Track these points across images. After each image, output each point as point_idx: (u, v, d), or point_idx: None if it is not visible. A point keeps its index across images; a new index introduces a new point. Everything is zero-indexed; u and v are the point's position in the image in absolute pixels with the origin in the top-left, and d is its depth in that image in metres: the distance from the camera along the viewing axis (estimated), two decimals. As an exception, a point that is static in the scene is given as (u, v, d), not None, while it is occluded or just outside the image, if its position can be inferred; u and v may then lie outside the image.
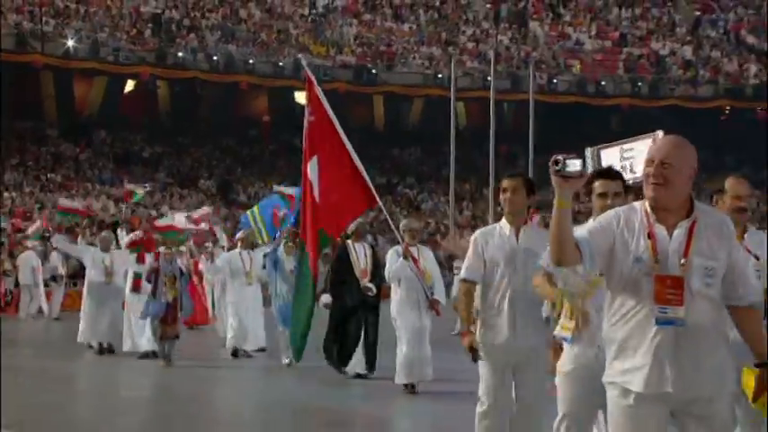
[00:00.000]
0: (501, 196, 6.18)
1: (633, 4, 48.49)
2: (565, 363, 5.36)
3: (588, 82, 44.01)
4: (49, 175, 35.99)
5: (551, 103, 41.00)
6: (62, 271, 24.28)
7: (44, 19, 36.85)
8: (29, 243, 24.30)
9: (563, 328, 5.36)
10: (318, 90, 11.35)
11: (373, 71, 42.04)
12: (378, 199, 11.25)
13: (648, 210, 4.05)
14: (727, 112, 46.77)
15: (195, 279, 18.42)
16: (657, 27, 47.51)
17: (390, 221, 12.28)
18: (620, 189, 5.32)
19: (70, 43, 36.77)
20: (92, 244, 17.35)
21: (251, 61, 40.08)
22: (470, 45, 44.58)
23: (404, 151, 44.66)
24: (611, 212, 4.20)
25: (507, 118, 42.07)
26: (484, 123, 33.43)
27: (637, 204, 4.14)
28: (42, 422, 9.50)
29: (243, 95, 43.41)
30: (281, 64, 40.52)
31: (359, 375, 12.05)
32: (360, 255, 12.31)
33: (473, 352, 6.01)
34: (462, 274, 6.23)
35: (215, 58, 39.48)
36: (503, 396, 6.07)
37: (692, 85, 44.99)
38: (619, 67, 44.96)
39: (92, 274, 15.56)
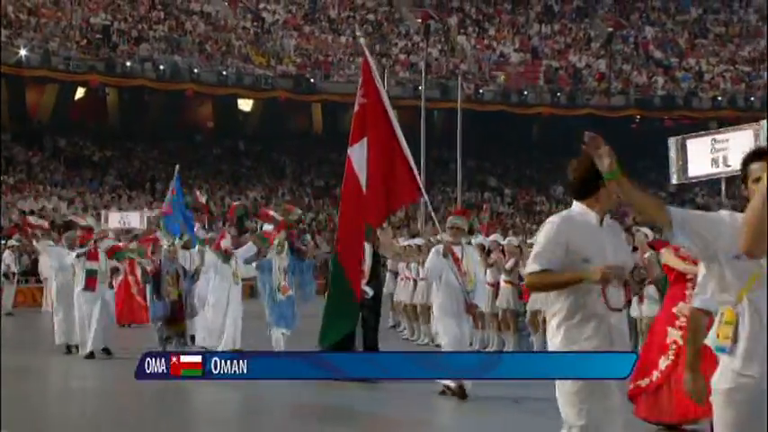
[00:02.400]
0: None
1: (552, 21, 48.94)
2: (721, 379, 3.98)
3: (512, 92, 44.29)
4: (2, 178, 35.27)
5: (478, 111, 41.24)
6: (15, 269, 23.88)
7: (-3, 29, 36.31)
8: None
9: (719, 336, 4.00)
10: (375, 73, 10.35)
11: (312, 80, 41.88)
12: (424, 192, 10.19)
13: None
14: (637, 120, 47.42)
15: (131, 279, 17.76)
16: (574, 42, 47.98)
17: (434, 216, 10.93)
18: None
19: (23, 52, 36.24)
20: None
21: (196, 70, 39.74)
22: (402, 57, 44.64)
23: (341, 155, 44.03)
24: None
25: (437, 124, 42.19)
26: (415, 129, 33.48)
27: None
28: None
29: (188, 103, 43.02)
30: (224, 73, 40.23)
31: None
32: (367, 255, 11.29)
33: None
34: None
35: (161, 67, 39.06)
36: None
37: (606, 95, 45.50)
38: (539, 79, 45.32)
39: (60, 275, 14.55)
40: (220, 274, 13.53)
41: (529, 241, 14.30)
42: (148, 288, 14.36)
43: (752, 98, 45.07)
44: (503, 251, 14.32)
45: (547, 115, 44.42)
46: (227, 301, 13.46)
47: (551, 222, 4.85)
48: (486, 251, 14.33)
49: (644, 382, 8.01)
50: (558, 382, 4.95)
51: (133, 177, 38.60)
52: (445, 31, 46.73)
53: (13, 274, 23.88)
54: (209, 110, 44.91)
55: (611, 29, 47.93)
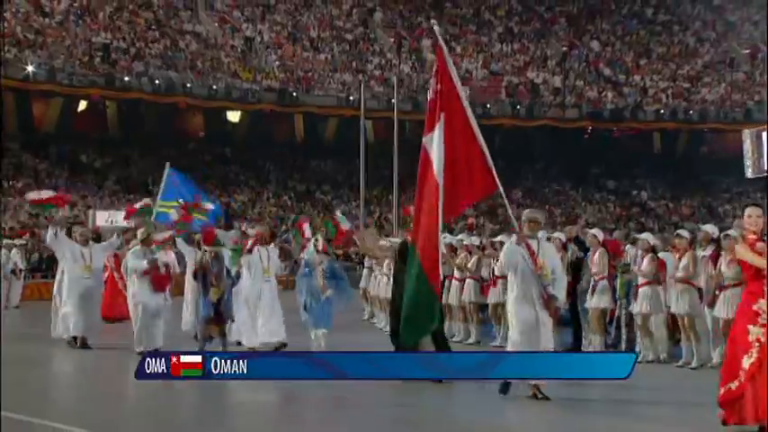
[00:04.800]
0: None
1: (512, 41, 49.23)
2: None
3: (476, 105, 44.33)
4: (10, 183, 35.19)
5: (445, 123, 41.39)
6: (21, 265, 23.75)
7: (6, 47, 36.17)
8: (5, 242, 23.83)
9: None
10: (448, 60, 9.04)
11: (294, 94, 41.93)
12: (499, 184, 8.75)
13: None
14: (589, 131, 47.80)
15: (115, 275, 16.23)
16: (532, 60, 48.30)
17: (509, 211, 9.32)
18: None
19: (30, 68, 36.11)
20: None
21: (188, 85, 39.70)
22: (377, 72, 44.79)
23: (321, 162, 44.65)
24: None
25: (408, 134, 42.37)
26: (388, 139, 33.64)
27: None
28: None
29: (181, 114, 42.97)
30: (214, 87, 40.24)
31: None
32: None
33: None
34: None
35: (157, 81, 39.01)
36: None
37: (561, 108, 45.82)
38: (501, 93, 45.61)
39: (73, 269, 13.75)
40: (251, 272, 12.81)
41: (493, 240, 14.45)
42: (189, 286, 13.34)
43: (690, 111, 45.67)
44: (469, 250, 14.45)
45: (508, 126, 44.69)
46: (259, 297, 12.71)
47: None
48: (453, 249, 14.45)
49: (734, 385, 7.01)
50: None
51: (131, 182, 38.53)
52: (416, 50, 46.96)
53: (20, 270, 23.69)
54: (201, 121, 44.85)
55: (565, 48, 48.35)
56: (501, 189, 8.82)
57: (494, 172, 8.68)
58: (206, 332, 11.24)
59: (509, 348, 8.79)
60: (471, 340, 14.07)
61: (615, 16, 52.09)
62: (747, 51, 47.83)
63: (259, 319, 12.65)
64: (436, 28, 9.77)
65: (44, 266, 27.02)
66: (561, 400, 8.66)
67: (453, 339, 14.01)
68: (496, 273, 9.80)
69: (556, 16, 51.42)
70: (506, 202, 9.31)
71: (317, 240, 11.78)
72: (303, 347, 12.14)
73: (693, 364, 11.13)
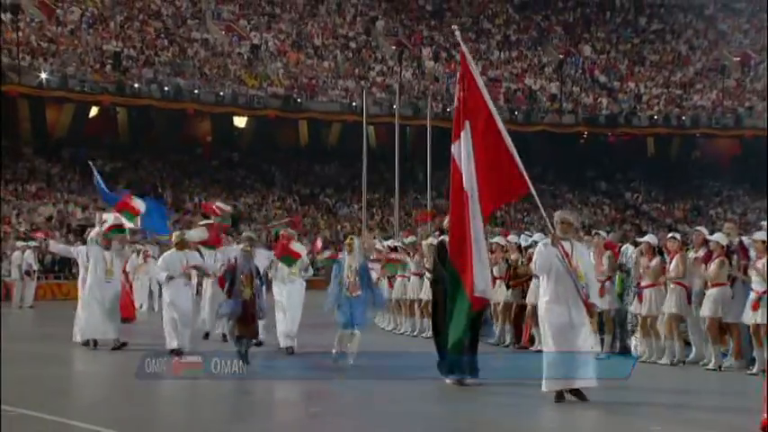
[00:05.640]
0: None
1: (510, 49, 49.27)
2: None
3: (474, 111, 44.49)
4: (24, 186, 35.24)
5: (445, 128, 40.88)
6: (35, 267, 23.77)
7: (21, 55, 36.27)
8: (18, 243, 23.87)
9: None
10: (472, 66, 8.67)
11: (298, 100, 41.99)
12: (530, 186, 8.35)
13: None
14: (585, 136, 47.80)
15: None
16: (530, 67, 48.34)
17: (543, 212, 8.91)
18: None
19: (43, 76, 36.22)
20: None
21: (196, 91, 39.78)
22: (379, 79, 44.84)
23: (324, 166, 44.69)
24: None
25: (409, 139, 42.43)
26: (390, 144, 33.72)
27: None
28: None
29: (189, 120, 42.99)
30: (221, 94, 40.31)
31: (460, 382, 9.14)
32: None
33: None
34: None
35: (166, 88, 39.08)
36: None
37: (558, 114, 45.84)
38: (499, 99, 45.60)
39: (94, 271, 13.18)
40: (278, 274, 12.61)
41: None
42: (209, 287, 13.11)
43: (683, 117, 45.66)
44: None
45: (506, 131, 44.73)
46: (286, 298, 12.49)
47: None
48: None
49: None
50: None
51: (140, 186, 38.54)
52: (416, 57, 46.99)
53: (34, 271, 23.72)
54: (208, 126, 44.88)
55: (561, 56, 48.37)
56: (533, 191, 8.42)
57: (524, 174, 8.32)
58: (237, 332, 10.74)
59: (544, 350, 8.38)
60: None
61: (610, 25, 52.14)
62: (738, 59, 47.84)
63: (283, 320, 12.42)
64: (458, 33, 9.44)
65: (56, 268, 27.07)
66: (601, 404, 8.22)
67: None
68: (535, 273, 9.06)
69: (552, 25, 51.46)
70: (538, 202, 8.79)
71: (352, 240, 11.39)
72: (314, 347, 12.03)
73: (663, 361, 11.21)
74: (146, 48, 40.77)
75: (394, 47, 47.11)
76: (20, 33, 37.01)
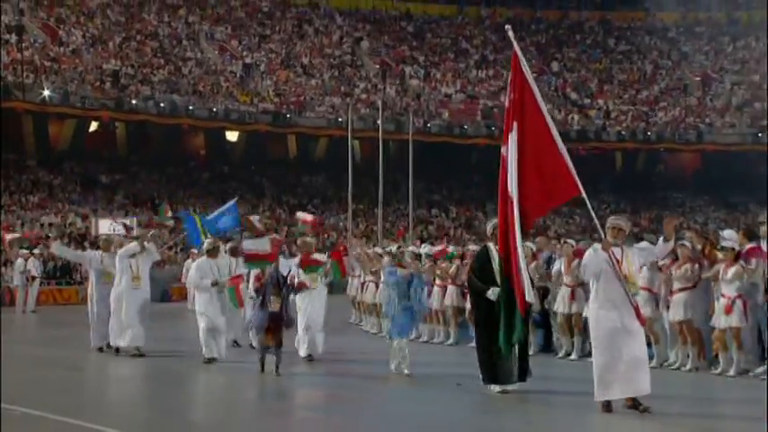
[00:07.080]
0: None
1: (487, 67, 49.51)
2: None
3: (454, 126, 44.73)
4: (28, 197, 35.13)
5: (426, 142, 41.62)
6: (36, 273, 23.64)
7: (25, 74, 36.23)
8: (15, 250, 23.74)
9: None
10: (524, 67, 8.10)
11: (287, 116, 42.06)
12: (581, 188, 7.79)
13: None
14: (557, 150, 47.99)
15: None
16: (506, 85, 48.39)
17: (594, 217, 8.15)
18: None
19: (46, 93, 36.20)
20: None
21: (190, 107, 39.79)
22: (364, 96, 44.99)
23: (312, 178, 44.76)
24: None
25: (392, 153, 42.57)
26: (374, 157, 33.84)
27: None
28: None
29: (184, 134, 42.97)
30: (214, 110, 40.33)
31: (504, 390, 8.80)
32: (495, 258, 8.90)
33: None
34: None
35: (162, 104, 39.09)
36: None
37: (532, 129, 45.95)
38: (477, 115, 45.86)
39: (122, 279, 12.58)
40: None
41: (469, 249, 14.47)
42: (247, 296, 12.35)
43: (648, 133, 46.05)
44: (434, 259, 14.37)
45: (484, 145, 44.83)
46: (307, 307, 11.94)
47: None
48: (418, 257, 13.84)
49: None
50: None
51: (138, 197, 38.52)
52: (399, 75, 47.17)
53: (34, 277, 23.62)
54: (202, 140, 44.88)
55: (535, 74, 48.57)
56: (584, 193, 7.82)
57: (575, 176, 7.79)
58: (264, 341, 10.42)
59: (594, 357, 7.82)
60: (450, 341, 14.11)
61: (580, 46, 52.58)
62: (699, 78, 48.39)
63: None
64: (510, 33, 8.52)
65: (58, 274, 26.98)
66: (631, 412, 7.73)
67: (434, 341, 14.12)
68: (584, 279, 8.64)
69: (527, 45, 51.77)
70: (589, 205, 8.07)
71: (399, 250, 11.05)
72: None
73: (653, 364, 11.22)
74: (143, 66, 40.79)
75: (378, 65, 47.30)
76: (24, 53, 36.98)
